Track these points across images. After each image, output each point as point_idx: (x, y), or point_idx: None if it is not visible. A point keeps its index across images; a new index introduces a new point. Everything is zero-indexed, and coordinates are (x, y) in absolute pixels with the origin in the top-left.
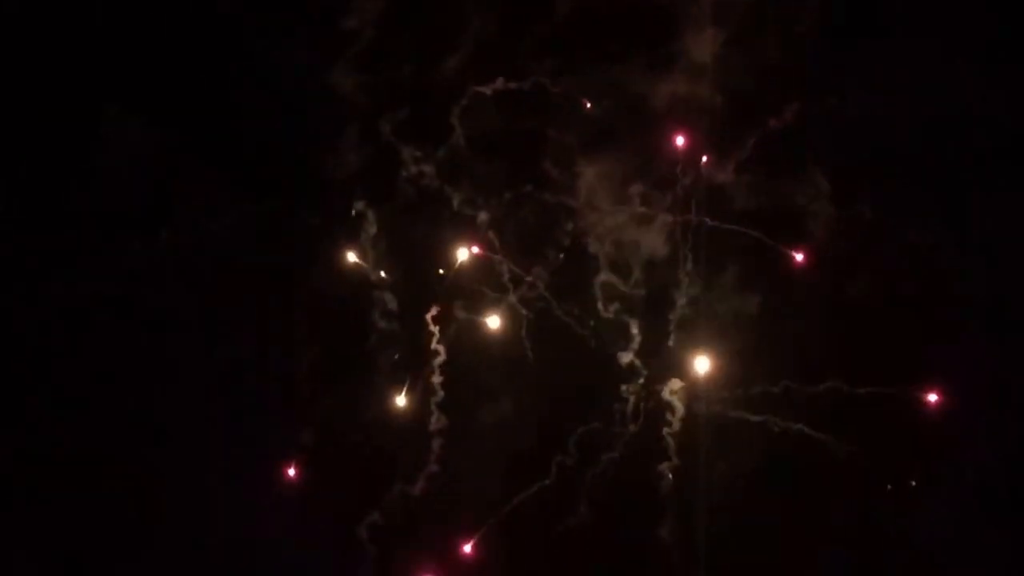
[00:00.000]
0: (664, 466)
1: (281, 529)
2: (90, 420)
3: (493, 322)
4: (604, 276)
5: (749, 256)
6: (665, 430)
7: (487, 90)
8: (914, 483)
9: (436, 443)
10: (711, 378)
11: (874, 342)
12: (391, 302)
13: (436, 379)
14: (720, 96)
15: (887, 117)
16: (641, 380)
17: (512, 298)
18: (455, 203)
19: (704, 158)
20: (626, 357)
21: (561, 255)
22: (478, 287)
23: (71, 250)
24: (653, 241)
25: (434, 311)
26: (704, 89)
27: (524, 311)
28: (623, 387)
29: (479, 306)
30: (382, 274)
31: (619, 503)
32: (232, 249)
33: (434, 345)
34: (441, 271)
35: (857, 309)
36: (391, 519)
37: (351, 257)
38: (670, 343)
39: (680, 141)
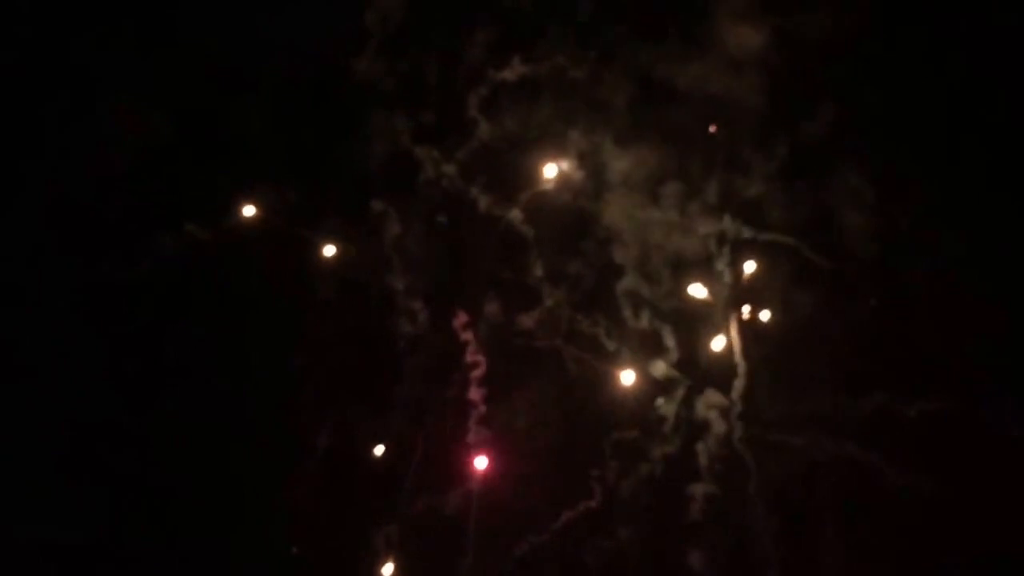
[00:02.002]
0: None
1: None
2: (99, 420)
3: (627, 377)
4: (633, 283)
5: (789, 265)
6: (699, 445)
7: (505, 75)
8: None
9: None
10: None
11: (922, 356)
12: (418, 309)
13: (476, 393)
14: (758, 92)
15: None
16: (681, 391)
17: (549, 302)
18: (481, 204)
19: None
20: (659, 368)
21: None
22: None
23: (85, 248)
24: (687, 247)
25: (463, 318)
26: (741, 84)
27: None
28: (658, 400)
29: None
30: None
31: (650, 526)
32: (250, 247)
33: (470, 357)
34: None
35: (904, 322)
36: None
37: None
38: (706, 354)
39: (715, 139)
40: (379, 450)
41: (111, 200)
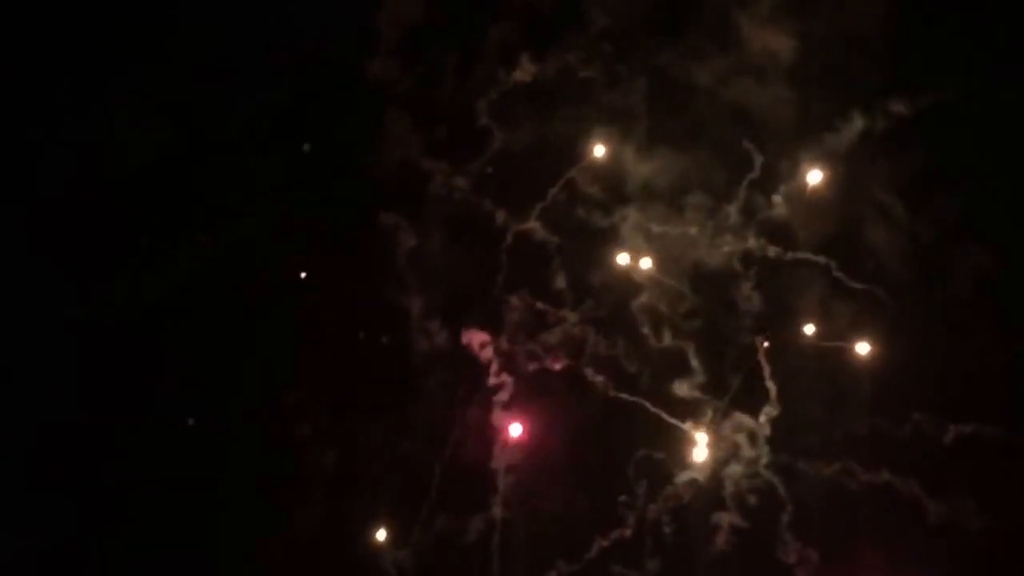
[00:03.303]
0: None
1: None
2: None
3: (700, 454)
4: (655, 302)
5: (819, 285)
6: (726, 470)
7: (517, 76)
8: None
9: (503, 482)
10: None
11: (957, 377)
12: (435, 327)
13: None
14: (783, 102)
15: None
16: (709, 415)
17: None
18: (499, 218)
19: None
20: (683, 389)
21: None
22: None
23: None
24: (711, 262)
25: (485, 338)
26: (766, 94)
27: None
28: (685, 423)
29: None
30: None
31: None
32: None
33: (493, 379)
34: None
35: (937, 343)
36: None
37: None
38: (733, 376)
39: (740, 151)
40: (381, 535)
41: (112, 206)
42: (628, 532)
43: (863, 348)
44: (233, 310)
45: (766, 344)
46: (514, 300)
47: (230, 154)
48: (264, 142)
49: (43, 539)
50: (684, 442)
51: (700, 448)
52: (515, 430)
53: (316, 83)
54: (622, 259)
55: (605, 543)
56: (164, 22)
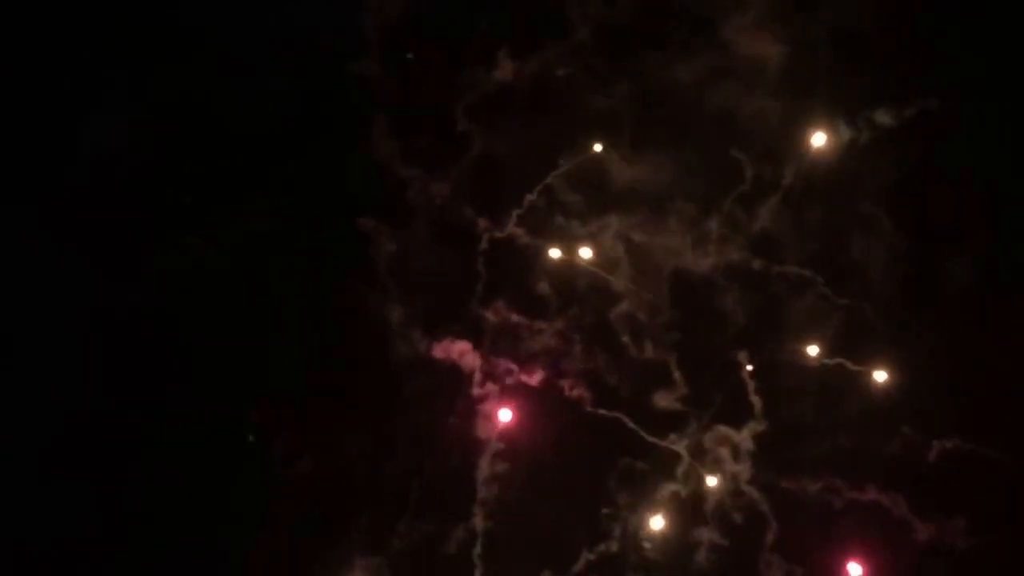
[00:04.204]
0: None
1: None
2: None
3: (657, 523)
4: (635, 312)
5: (806, 299)
6: (708, 486)
7: (495, 74)
8: None
9: (486, 491)
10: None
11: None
12: (417, 335)
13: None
14: (768, 113)
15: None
16: (691, 429)
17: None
18: (480, 225)
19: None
20: (663, 400)
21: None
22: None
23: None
24: (694, 270)
25: (466, 347)
26: (752, 103)
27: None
28: (670, 435)
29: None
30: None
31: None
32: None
33: (477, 389)
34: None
35: (925, 355)
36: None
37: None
38: (717, 390)
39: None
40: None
41: (108, 209)
42: (615, 546)
43: (880, 376)
44: (228, 310)
45: (750, 367)
46: (489, 315)
47: (224, 154)
48: (259, 142)
49: (62, 527)
50: (666, 456)
51: (658, 518)
52: (504, 415)
53: (305, 84)
54: (554, 253)
55: (592, 556)
56: (161, 22)
